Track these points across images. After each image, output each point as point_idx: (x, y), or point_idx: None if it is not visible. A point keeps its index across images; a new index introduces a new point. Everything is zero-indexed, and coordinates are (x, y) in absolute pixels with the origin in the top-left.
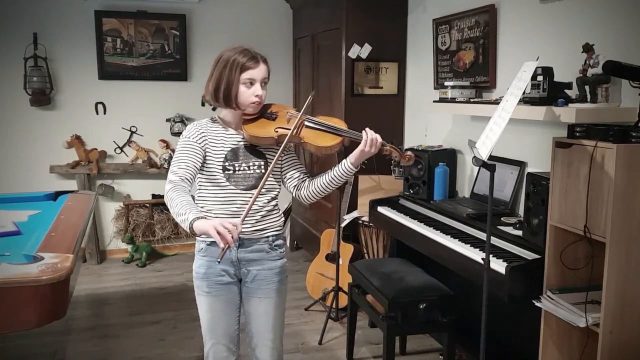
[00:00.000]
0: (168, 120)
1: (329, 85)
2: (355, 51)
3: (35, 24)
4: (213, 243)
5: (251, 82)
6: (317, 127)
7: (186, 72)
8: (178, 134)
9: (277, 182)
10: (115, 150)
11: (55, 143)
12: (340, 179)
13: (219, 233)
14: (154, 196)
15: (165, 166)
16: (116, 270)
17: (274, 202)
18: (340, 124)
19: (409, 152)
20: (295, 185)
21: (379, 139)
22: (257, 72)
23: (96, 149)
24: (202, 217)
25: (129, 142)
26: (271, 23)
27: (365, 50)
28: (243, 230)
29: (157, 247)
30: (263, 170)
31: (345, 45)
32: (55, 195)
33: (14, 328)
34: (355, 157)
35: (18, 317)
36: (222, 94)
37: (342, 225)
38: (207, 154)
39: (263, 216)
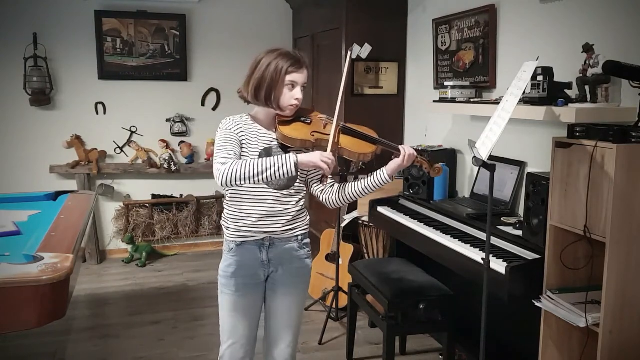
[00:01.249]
0: (168, 120)
1: (329, 85)
2: (355, 51)
3: (35, 24)
4: (244, 243)
5: (293, 85)
6: (352, 134)
7: (186, 72)
8: (178, 134)
9: (304, 184)
10: (115, 150)
11: (55, 143)
12: (374, 189)
13: (325, 163)
14: (154, 196)
15: (165, 166)
16: (116, 270)
17: (302, 203)
18: (371, 132)
19: (438, 165)
20: (322, 190)
21: (415, 153)
22: (300, 76)
23: (96, 149)
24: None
25: (129, 142)
26: (271, 23)
27: (365, 50)
28: (274, 230)
29: (157, 247)
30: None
31: (345, 45)
32: (55, 195)
33: (14, 328)
34: (391, 169)
35: (18, 317)
36: (264, 94)
37: (342, 225)
38: (243, 148)
39: (294, 216)
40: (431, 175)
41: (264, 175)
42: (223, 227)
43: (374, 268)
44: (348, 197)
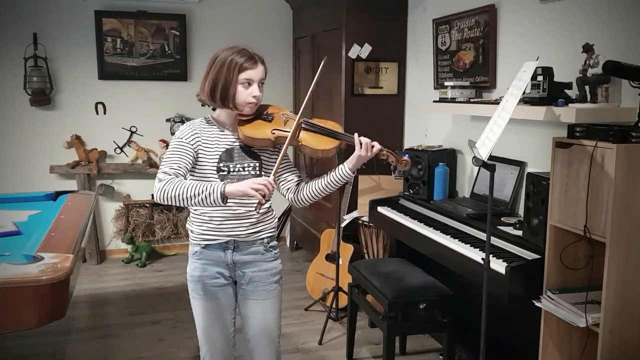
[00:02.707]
0: (168, 120)
1: (329, 85)
2: (355, 51)
3: (35, 24)
4: (208, 246)
5: (249, 83)
6: (314, 130)
7: (186, 72)
8: None
9: None
10: (115, 150)
11: (55, 143)
12: (337, 184)
13: (257, 190)
14: (153, 196)
15: None
16: (116, 270)
17: (268, 204)
18: (336, 127)
19: (405, 157)
20: (289, 189)
21: (376, 145)
22: (255, 72)
23: (96, 149)
24: (227, 183)
25: (129, 142)
26: (271, 23)
27: (365, 50)
28: (238, 233)
29: (157, 247)
30: (258, 172)
31: (345, 45)
32: (55, 195)
33: (14, 328)
34: (352, 162)
35: (18, 317)
36: (220, 94)
37: (342, 225)
38: (199, 154)
39: (258, 219)
40: (399, 168)
41: (193, 201)
42: (188, 230)
43: (374, 268)
44: (314, 194)
